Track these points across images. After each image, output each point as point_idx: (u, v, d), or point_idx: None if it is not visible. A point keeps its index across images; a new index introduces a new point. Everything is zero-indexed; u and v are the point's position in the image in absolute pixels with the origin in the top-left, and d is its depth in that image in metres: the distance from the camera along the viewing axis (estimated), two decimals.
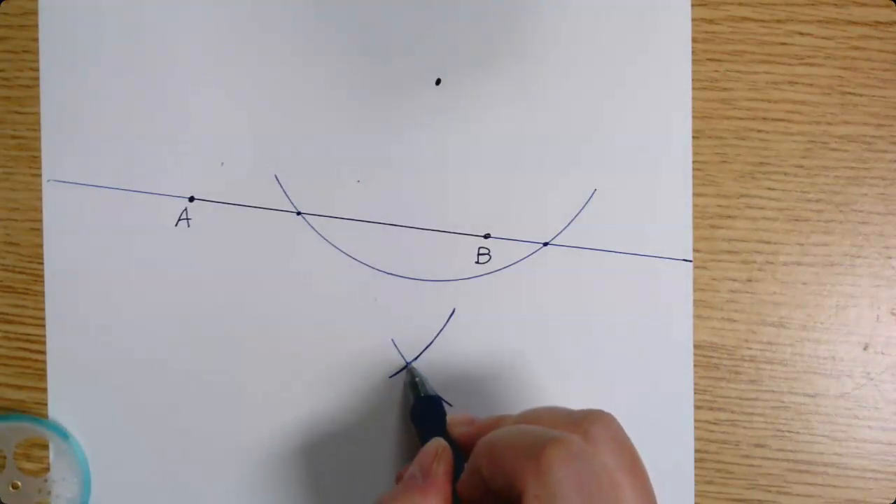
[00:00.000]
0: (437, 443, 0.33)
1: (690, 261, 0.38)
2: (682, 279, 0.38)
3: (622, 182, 0.38)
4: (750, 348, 0.38)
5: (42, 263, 0.41)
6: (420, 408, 0.36)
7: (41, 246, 0.41)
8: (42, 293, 0.41)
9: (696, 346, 0.38)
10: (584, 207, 0.38)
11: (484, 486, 0.28)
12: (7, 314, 0.42)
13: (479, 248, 0.39)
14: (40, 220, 0.42)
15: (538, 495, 0.25)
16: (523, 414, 0.31)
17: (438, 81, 0.39)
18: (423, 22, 0.39)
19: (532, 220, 0.38)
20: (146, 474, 0.40)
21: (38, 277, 0.41)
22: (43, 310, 0.41)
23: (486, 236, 0.39)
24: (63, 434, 0.40)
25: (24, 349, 0.42)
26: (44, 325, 0.41)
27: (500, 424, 0.31)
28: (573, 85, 0.38)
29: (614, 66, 0.38)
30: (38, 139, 0.42)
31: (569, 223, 0.38)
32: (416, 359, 0.39)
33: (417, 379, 0.37)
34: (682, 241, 0.38)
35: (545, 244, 0.38)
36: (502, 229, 0.39)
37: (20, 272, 0.42)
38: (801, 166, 0.38)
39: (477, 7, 0.39)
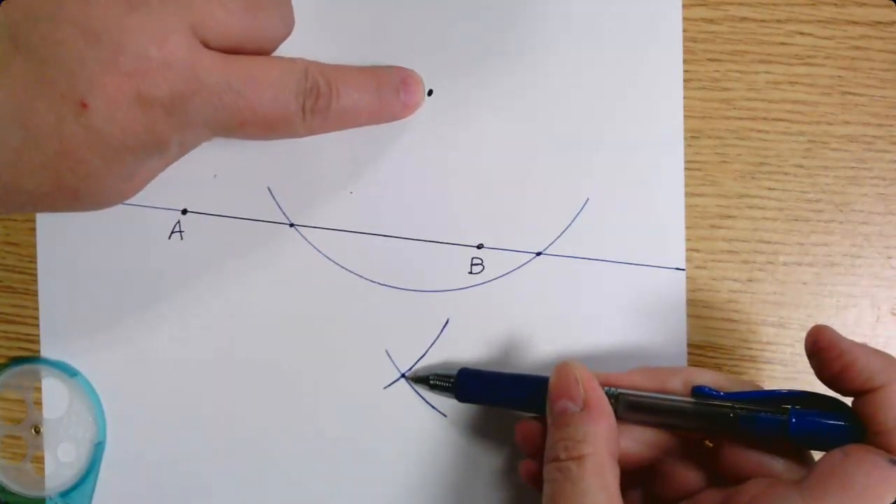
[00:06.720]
0: (568, 367, 0.32)
1: (683, 269, 0.38)
2: (674, 288, 0.38)
3: (615, 191, 0.38)
4: (750, 348, 0.38)
5: None
6: (468, 381, 0.37)
7: None
8: None
9: (695, 347, 0.38)
10: (576, 217, 0.38)
11: None
12: (6, 314, 0.42)
13: (473, 259, 0.39)
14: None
15: None
16: None
17: (430, 92, 0.38)
18: (414, 33, 0.38)
19: (525, 229, 0.38)
20: (138, 480, 0.41)
21: (37, 277, 0.41)
22: None
23: (480, 246, 0.39)
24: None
25: (24, 349, 0.42)
26: None
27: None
28: (565, 96, 0.38)
29: (606, 76, 0.38)
30: None
31: (562, 233, 0.38)
32: (410, 369, 0.39)
33: (430, 377, 0.38)
34: (675, 249, 0.38)
35: (538, 254, 0.38)
36: (495, 239, 0.38)
37: (20, 272, 0.42)
38: (801, 166, 0.38)
39: (467, 18, 0.38)
